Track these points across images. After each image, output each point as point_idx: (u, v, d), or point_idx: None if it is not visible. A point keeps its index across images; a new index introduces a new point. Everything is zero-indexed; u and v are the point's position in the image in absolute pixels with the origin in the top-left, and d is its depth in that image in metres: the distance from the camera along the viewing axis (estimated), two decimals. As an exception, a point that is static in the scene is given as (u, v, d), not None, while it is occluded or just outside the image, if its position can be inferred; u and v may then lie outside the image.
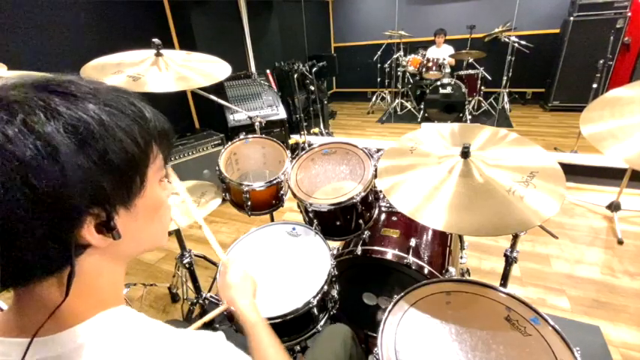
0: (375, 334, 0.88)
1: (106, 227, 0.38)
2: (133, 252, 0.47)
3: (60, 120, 0.33)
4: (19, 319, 0.40)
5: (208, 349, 0.43)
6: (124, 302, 0.46)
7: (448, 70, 4.81)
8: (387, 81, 5.58)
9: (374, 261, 1.33)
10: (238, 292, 0.77)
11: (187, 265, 1.62)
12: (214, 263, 2.06)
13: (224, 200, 1.60)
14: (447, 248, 1.48)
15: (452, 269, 1.30)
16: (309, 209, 1.29)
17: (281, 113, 3.27)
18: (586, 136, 1.13)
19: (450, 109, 4.67)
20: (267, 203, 1.55)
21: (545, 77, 5.08)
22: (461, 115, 4.66)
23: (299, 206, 1.44)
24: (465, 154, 1.01)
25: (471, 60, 4.81)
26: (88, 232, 0.37)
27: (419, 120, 5.08)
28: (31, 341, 0.36)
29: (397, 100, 5.48)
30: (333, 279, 1.18)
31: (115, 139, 0.36)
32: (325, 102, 4.93)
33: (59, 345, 0.37)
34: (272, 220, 1.76)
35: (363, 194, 1.24)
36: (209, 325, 1.67)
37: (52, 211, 0.32)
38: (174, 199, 1.47)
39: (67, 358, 0.37)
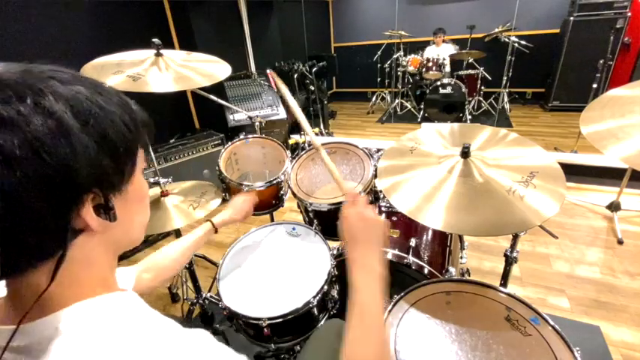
0: (375, 334, 0.87)
1: (104, 209, 0.39)
2: (121, 240, 0.47)
3: (65, 102, 0.35)
4: (11, 307, 0.41)
5: (195, 347, 0.41)
6: (116, 289, 0.45)
7: (448, 69, 4.80)
8: (387, 81, 5.58)
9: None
10: (370, 232, 0.68)
11: (187, 265, 1.62)
12: (214, 263, 2.06)
13: (224, 200, 1.60)
14: (447, 248, 1.48)
15: (452, 269, 1.30)
16: (309, 209, 1.29)
17: (281, 113, 3.26)
18: (586, 136, 1.13)
19: (450, 109, 4.67)
20: (267, 203, 1.55)
21: (545, 77, 5.08)
22: (461, 115, 4.66)
23: (299, 206, 1.44)
24: (465, 154, 1.01)
25: (471, 60, 4.81)
26: (87, 212, 0.38)
27: (419, 120, 5.08)
28: (17, 328, 0.37)
29: (397, 100, 5.48)
30: (333, 279, 1.18)
31: (113, 122, 0.39)
32: (325, 102, 4.94)
33: (40, 330, 0.37)
34: (272, 220, 1.75)
35: (363, 194, 1.24)
36: (209, 325, 1.67)
37: (58, 188, 0.33)
38: (174, 200, 1.47)
39: (46, 343, 0.37)
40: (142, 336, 0.38)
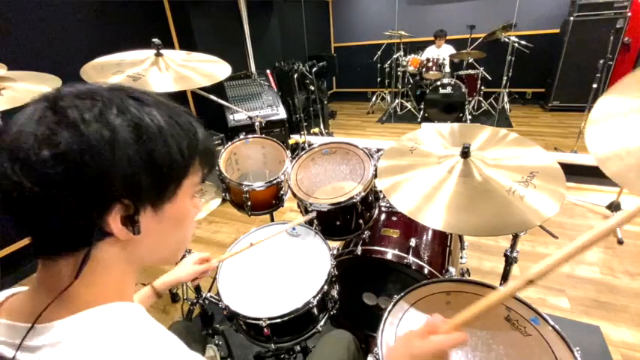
0: (374, 334, 0.87)
1: (130, 221, 0.41)
2: (147, 256, 0.48)
3: (128, 117, 0.39)
4: (31, 303, 0.42)
5: None
6: (128, 299, 0.46)
7: (448, 70, 4.80)
8: (387, 81, 5.58)
9: (374, 261, 1.33)
10: None
11: (187, 265, 1.61)
12: (214, 263, 2.05)
13: (224, 200, 1.60)
14: (447, 248, 1.48)
15: (452, 269, 1.30)
16: (309, 209, 1.29)
17: (281, 113, 3.27)
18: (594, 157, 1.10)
19: (450, 109, 4.67)
20: (267, 203, 1.55)
21: (545, 77, 5.08)
22: (461, 115, 4.66)
23: (299, 206, 1.44)
24: (465, 153, 1.01)
25: (471, 60, 4.81)
26: (114, 220, 0.40)
27: (419, 120, 5.08)
28: (31, 327, 0.39)
29: (397, 100, 5.48)
30: (333, 279, 1.18)
31: (166, 144, 0.41)
32: (325, 102, 4.94)
33: (58, 332, 0.39)
34: (272, 220, 1.75)
35: (363, 194, 1.24)
36: (209, 325, 1.67)
37: (91, 190, 0.37)
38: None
39: (65, 345, 0.38)
40: (153, 347, 0.40)
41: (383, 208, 1.58)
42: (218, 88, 3.09)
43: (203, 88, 1.41)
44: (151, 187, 0.41)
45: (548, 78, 4.99)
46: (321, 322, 1.13)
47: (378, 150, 1.51)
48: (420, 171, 1.04)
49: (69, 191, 0.36)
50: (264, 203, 1.55)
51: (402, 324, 0.89)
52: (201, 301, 1.64)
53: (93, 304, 0.41)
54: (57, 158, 0.35)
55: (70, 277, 0.40)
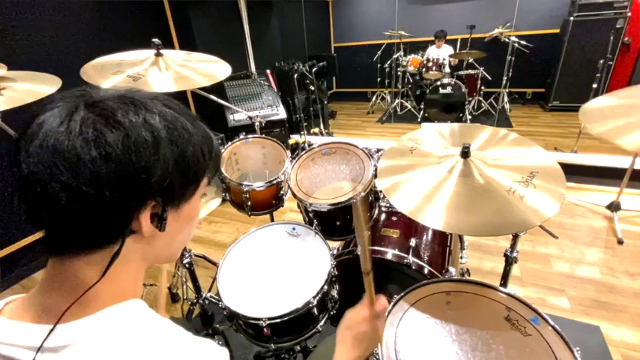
0: (375, 334, 0.87)
1: (159, 218, 0.44)
2: (161, 253, 0.50)
3: (164, 120, 0.42)
4: (41, 301, 0.42)
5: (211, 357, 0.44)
6: (139, 297, 0.48)
7: (448, 70, 4.81)
8: (387, 81, 5.58)
9: (374, 261, 1.33)
10: (370, 345, 0.68)
11: (187, 265, 1.61)
12: (214, 263, 2.06)
13: (224, 200, 1.60)
14: (447, 248, 1.48)
15: (452, 269, 1.30)
16: (309, 209, 1.29)
17: (281, 113, 3.27)
18: (597, 135, 1.16)
19: (450, 109, 4.67)
20: (267, 203, 1.55)
21: (545, 77, 5.08)
22: (461, 115, 4.66)
23: (299, 206, 1.44)
24: (465, 154, 1.01)
25: (471, 60, 4.80)
26: (145, 217, 0.42)
27: (419, 120, 5.08)
28: (54, 327, 0.39)
29: (397, 100, 5.48)
30: (333, 279, 1.18)
31: (194, 147, 0.45)
32: (325, 102, 4.94)
33: (74, 332, 0.39)
34: (272, 220, 1.75)
35: (363, 194, 1.24)
36: (209, 325, 1.67)
37: (133, 187, 0.39)
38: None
39: (85, 345, 0.38)
40: (173, 343, 0.42)
41: (383, 208, 1.58)
42: (218, 88, 3.09)
43: (203, 88, 1.41)
44: (180, 187, 0.44)
45: (548, 78, 4.99)
46: (321, 322, 1.13)
47: (378, 150, 1.51)
48: (420, 171, 1.04)
49: (115, 188, 0.37)
50: (264, 203, 1.55)
51: (402, 324, 0.89)
52: (201, 301, 1.64)
53: (114, 300, 0.43)
54: (107, 158, 0.37)
55: (93, 275, 0.41)
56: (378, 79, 5.67)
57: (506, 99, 4.95)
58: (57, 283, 0.42)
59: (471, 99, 4.90)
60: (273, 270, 1.17)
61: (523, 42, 4.51)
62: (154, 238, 0.45)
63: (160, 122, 0.41)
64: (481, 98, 5.00)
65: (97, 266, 0.41)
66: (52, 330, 0.38)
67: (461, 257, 1.64)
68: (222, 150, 1.59)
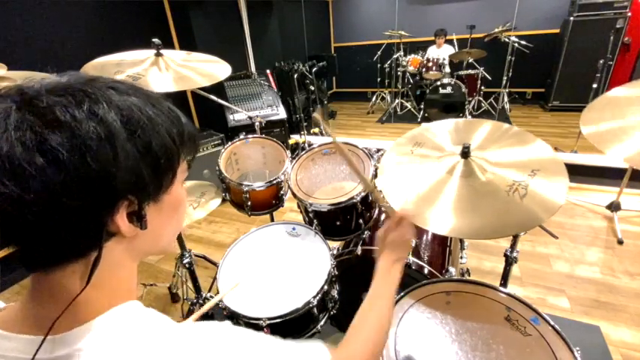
0: (375, 334, 0.87)
1: (137, 216, 0.41)
2: (149, 248, 0.48)
3: (117, 111, 0.37)
4: (34, 312, 0.40)
5: (219, 338, 0.42)
6: (135, 297, 0.46)
7: (448, 70, 4.81)
8: (387, 81, 5.58)
9: (374, 261, 1.33)
10: (405, 251, 0.79)
11: (187, 265, 1.62)
12: (214, 263, 2.06)
13: (224, 200, 1.60)
14: (447, 248, 1.48)
15: (452, 269, 1.30)
16: (309, 209, 1.29)
17: (281, 113, 3.27)
18: (586, 136, 1.13)
19: (449, 109, 4.67)
20: (267, 203, 1.55)
21: (545, 77, 5.08)
22: (461, 115, 4.66)
23: (299, 206, 1.44)
24: (465, 154, 1.00)
25: (471, 60, 4.80)
26: (121, 218, 0.39)
27: (419, 120, 5.08)
28: (45, 338, 0.37)
29: (397, 100, 5.48)
30: (333, 279, 1.18)
31: (159, 134, 0.40)
32: (325, 102, 4.94)
33: (74, 341, 0.37)
34: (272, 220, 1.75)
35: (362, 194, 1.24)
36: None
37: (96, 191, 0.35)
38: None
39: (83, 353, 0.37)
40: (175, 338, 0.40)
41: (383, 208, 1.57)
42: (218, 88, 3.09)
43: (203, 88, 1.41)
44: (152, 180, 0.40)
45: (548, 78, 4.99)
46: (321, 322, 1.13)
47: (378, 150, 1.51)
48: (420, 171, 1.04)
49: (75, 196, 0.34)
50: (264, 203, 1.55)
51: (402, 324, 0.89)
52: (201, 301, 1.64)
53: (108, 306, 0.41)
54: (56, 163, 0.32)
55: (78, 284, 0.39)
56: (378, 79, 5.67)
57: (506, 99, 4.95)
58: (46, 295, 0.40)
59: (471, 99, 4.90)
60: (273, 270, 1.17)
61: (523, 42, 4.51)
62: (137, 237, 0.42)
63: (112, 114, 0.36)
64: (481, 98, 5.00)
65: (82, 275, 0.39)
66: (42, 342, 0.36)
67: (461, 257, 1.64)
68: (222, 150, 1.59)
